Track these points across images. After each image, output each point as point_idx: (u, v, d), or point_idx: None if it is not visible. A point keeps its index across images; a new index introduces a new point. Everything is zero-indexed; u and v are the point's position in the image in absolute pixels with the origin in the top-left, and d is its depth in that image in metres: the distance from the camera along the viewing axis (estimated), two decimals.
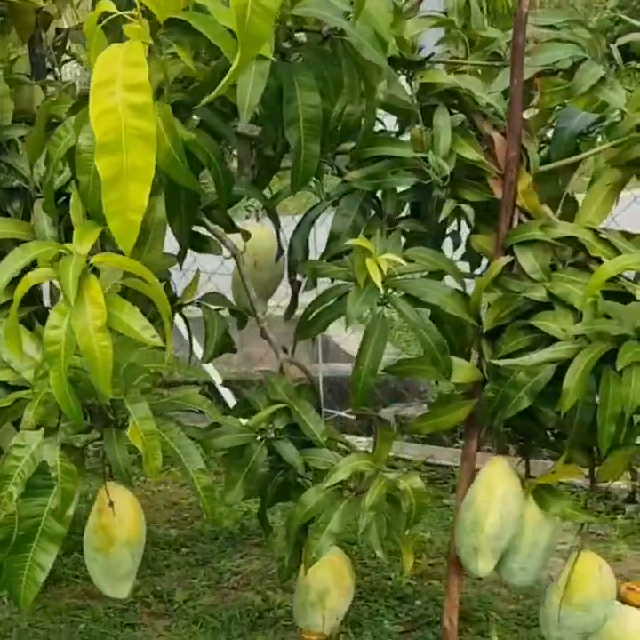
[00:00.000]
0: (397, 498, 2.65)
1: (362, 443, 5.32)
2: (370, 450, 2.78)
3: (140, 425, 2.14)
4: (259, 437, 2.67)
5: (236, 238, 2.91)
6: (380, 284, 2.47)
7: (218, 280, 4.53)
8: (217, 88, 1.80)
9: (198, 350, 3.16)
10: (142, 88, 1.79)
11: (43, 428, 2.19)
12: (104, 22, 1.92)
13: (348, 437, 5.31)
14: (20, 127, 2.78)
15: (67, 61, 3.59)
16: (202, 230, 2.80)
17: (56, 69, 3.30)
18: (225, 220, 2.80)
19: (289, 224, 2.96)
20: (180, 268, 2.66)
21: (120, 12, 1.90)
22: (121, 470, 2.26)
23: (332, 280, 2.86)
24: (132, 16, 1.89)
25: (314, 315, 2.72)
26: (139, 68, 1.80)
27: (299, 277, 2.97)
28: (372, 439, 2.75)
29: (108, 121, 1.79)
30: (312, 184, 2.99)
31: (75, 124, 2.10)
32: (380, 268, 2.48)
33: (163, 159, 2.03)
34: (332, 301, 2.68)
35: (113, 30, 2.03)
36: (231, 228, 2.85)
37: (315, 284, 2.90)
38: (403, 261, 2.56)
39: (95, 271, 2.06)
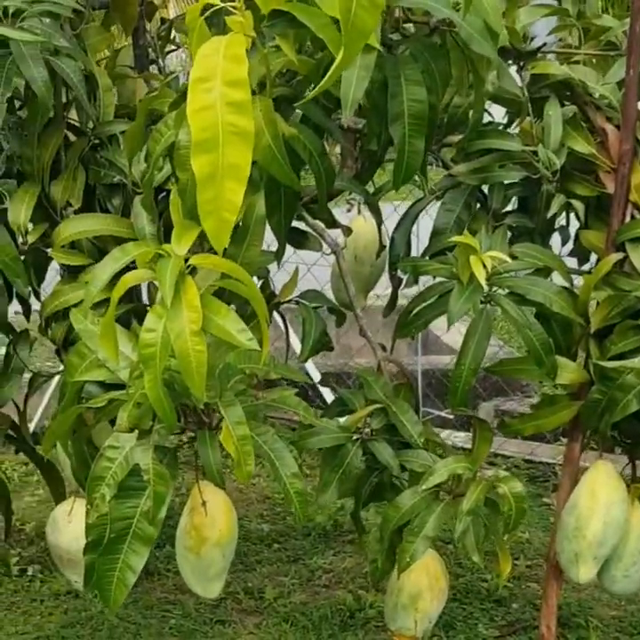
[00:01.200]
0: (495, 501, 2.56)
1: (459, 438, 5.24)
2: (467, 445, 2.69)
3: (233, 429, 2.08)
4: (354, 437, 2.60)
5: (336, 233, 2.84)
6: (484, 283, 2.39)
7: (317, 271, 4.48)
8: (320, 83, 1.72)
9: (297, 343, 3.10)
10: (241, 84, 1.73)
11: (136, 430, 2.15)
12: (207, 14, 1.86)
13: (445, 433, 5.27)
14: (122, 122, 2.74)
15: (171, 51, 3.55)
16: (302, 225, 2.73)
17: (160, 60, 3.25)
18: (326, 215, 2.73)
19: (390, 214, 2.87)
20: (279, 265, 2.61)
21: (223, 4, 1.84)
22: (214, 473, 2.21)
23: (434, 277, 2.78)
24: (235, 8, 1.83)
25: (414, 313, 2.64)
26: (239, 63, 1.73)
27: (400, 273, 2.89)
28: (470, 434, 2.67)
29: (205, 118, 1.74)
30: (416, 177, 2.92)
31: (175, 119, 2.05)
32: (484, 265, 2.40)
33: (263, 155, 1.98)
34: (433, 299, 2.60)
35: (216, 22, 1.98)
36: (332, 223, 2.79)
37: (416, 281, 2.82)
38: (508, 259, 2.47)
39: (193, 271, 2.01)
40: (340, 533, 4.44)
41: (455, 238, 2.46)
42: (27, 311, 2.92)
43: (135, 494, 2.19)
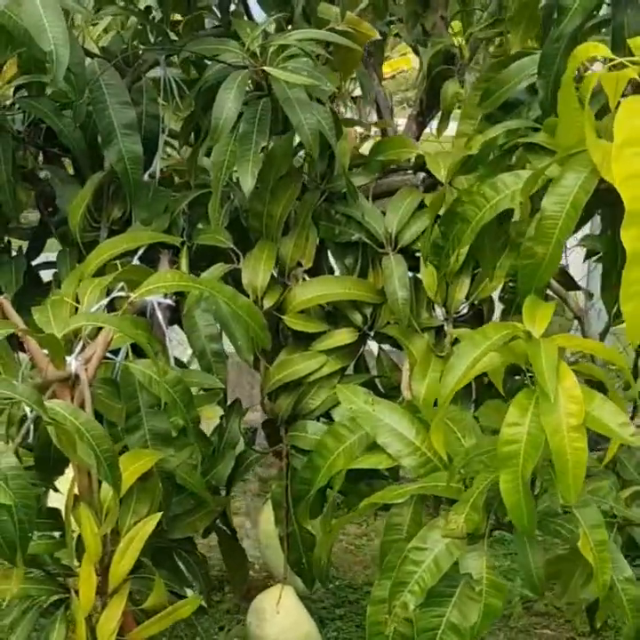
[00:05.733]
0: None
1: None
2: None
3: (590, 534, 1.82)
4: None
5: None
6: None
7: None
8: None
9: None
10: None
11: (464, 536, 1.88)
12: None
13: None
14: (361, 174, 2.49)
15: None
16: None
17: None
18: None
19: None
20: None
21: None
22: (534, 580, 1.94)
23: None
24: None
25: None
26: None
27: None
28: None
29: (637, 186, 1.51)
30: None
31: (524, 186, 1.79)
32: None
33: None
34: None
35: None
36: (574, 286, 2.56)
37: None
38: None
39: None
40: None
41: None
42: None
43: (441, 602, 1.92)
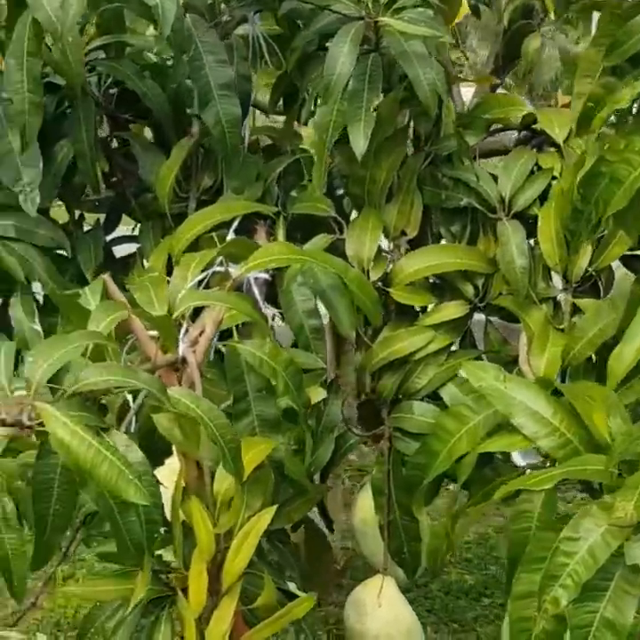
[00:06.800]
0: None
1: None
2: None
3: None
4: None
5: None
6: None
7: None
8: None
9: None
10: None
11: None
12: None
13: None
14: (468, 135, 2.31)
15: None
16: None
17: None
18: None
19: None
20: None
21: None
22: None
23: None
24: None
25: None
26: None
27: None
28: None
29: None
30: None
31: None
32: None
33: None
34: None
35: None
36: None
37: None
38: None
39: None
40: None
41: None
42: None
43: (595, 597, 1.77)
